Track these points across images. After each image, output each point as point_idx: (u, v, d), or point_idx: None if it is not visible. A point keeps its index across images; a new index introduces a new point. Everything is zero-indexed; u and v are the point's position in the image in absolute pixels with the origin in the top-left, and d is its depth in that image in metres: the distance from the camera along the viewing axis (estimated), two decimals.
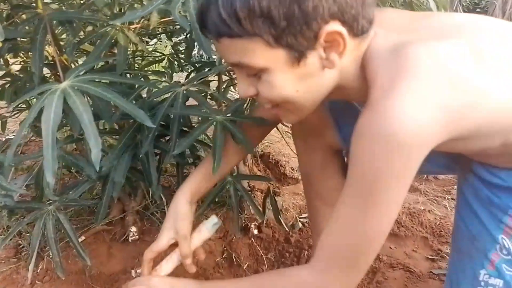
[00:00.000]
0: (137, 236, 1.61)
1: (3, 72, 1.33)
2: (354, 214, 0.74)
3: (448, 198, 2.00)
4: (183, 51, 1.83)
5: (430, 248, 1.65)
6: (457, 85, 0.70)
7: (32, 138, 1.96)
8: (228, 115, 1.09)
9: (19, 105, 1.62)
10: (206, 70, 1.70)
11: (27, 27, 1.10)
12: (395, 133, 0.66)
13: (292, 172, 2.18)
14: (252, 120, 1.08)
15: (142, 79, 1.43)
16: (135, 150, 1.26)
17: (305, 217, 1.86)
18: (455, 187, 2.08)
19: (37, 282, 1.42)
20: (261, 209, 1.66)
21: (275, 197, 1.69)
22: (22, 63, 1.44)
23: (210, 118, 1.09)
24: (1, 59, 1.19)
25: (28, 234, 1.60)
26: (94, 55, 1.06)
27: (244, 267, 1.64)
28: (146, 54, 1.84)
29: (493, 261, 0.89)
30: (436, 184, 2.19)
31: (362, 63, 0.77)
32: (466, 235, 0.94)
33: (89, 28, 1.36)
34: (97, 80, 0.94)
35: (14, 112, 1.71)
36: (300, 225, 1.80)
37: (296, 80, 0.73)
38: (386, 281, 1.45)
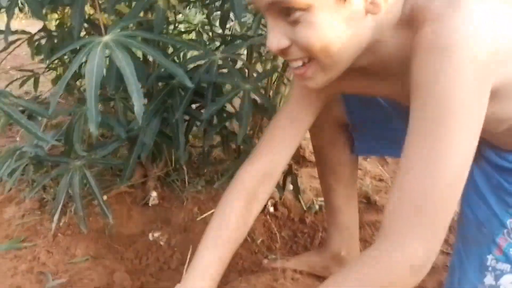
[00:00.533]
0: (157, 201, 1.64)
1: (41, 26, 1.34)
2: (425, 155, 0.64)
3: None
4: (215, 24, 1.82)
5: (445, 242, 1.64)
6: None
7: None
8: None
9: (52, 63, 1.65)
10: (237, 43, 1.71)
11: None
12: (466, 47, 0.59)
13: (311, 155, 2.18)
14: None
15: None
16: (164, 114, 1.28)
17: (321, 201, 1.86)
18: None
19: (59, 234, 1.47)
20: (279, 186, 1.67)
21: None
22: (59, 19, 1.46)
23: (238, 87, 1.10)
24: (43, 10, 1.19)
25: (51, 189, 1.64)
26: (133, 13, 1.06)
27: (258, 242, 1.67)
28: (177, 24, 1.84)
29: (501, 246, 0.88)
30: None
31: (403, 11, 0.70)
32: (473, 222, 0.93)
33: None
34: (137, 36, 0.95)
35: (45, 71, 1.73)
36: (317, 207, 1.81)
37: (340, 23, 0.65)
38: None
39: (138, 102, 0.80)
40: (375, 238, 1.54)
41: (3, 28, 1.15)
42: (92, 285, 1.29)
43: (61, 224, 1.48)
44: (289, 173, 1.60)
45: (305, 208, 1.78)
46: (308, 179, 2.04)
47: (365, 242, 1.59)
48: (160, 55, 0.89)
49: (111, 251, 1.48)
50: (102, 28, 0.99)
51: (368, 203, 1.88)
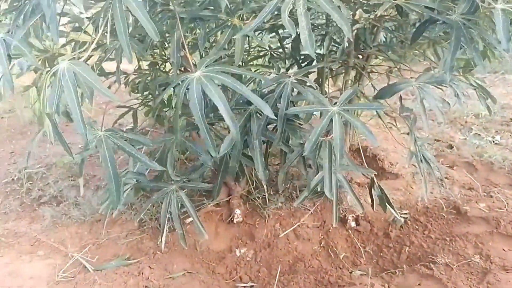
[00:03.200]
0: (240, 218, 1.73)
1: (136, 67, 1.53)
2: None
3: None
4: (286, 45, 1.90)
5: None
6: None
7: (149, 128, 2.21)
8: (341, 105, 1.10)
9: (144, 99, 1.85)
10: (306, 64, 1.76)
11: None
12: None
13: (391, 167, 2.13)
14: (368, 108, 1.09)
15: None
16: (245, 138, 1.37)
17: (406, 213, 1.81)
18: None
19: (157, 252, 1.62)
20: (360, 201, 1.66)
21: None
22: (151, 60, 1.65)
23: (326, 109, 1.11)
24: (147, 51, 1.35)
25: (149, 211, 1.82)
26: (218, 47, 1.17)
27: (341, 257, 1.67)
28: (252, 50, 1.95)
29: None
30: None
31: None
32: None
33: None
34: (225, 71, 1.04)
35: (139, 105, 1.94)
36: (402, 220, 1.75)
37: None
38: (498, 283, 1.35)
39: (234, 129, 0.89)
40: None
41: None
42: None
43: (158, 242, 1.63)
44: (372, 185, 1.58)
45: (397, 215, 1.72)
46: (390, 191, 1.98)
47: (457, 255, 1.51)
48: (246, 89, 0.97)
49: (203, 266, 1.60)
50: (190, 65, 1.11)
51: (457, 214, 1.77)
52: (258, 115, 1.32)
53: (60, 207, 1.96)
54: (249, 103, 1.36)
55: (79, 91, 0.92)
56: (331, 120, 1.06)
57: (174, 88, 1.19)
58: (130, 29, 1.22)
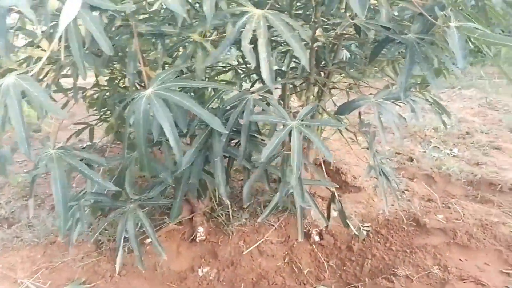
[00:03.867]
0: (203, 236, 1.70)
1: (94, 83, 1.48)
2: None
3: None
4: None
5: (504, 262, 1.55)
6: None
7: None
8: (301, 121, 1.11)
9: (103, 115, 1.80)
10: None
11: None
12: None
13: (354, 180, 2.17)
14: (327, 124, 1.09)
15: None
16: (206, 154, 1.35)
17: (368, 226, 1.83)
18: None
19: (115, 275, 1.55)
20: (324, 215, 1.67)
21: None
22: (109, 75, 1.60)
23: (286, 123, 1.11)
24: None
25: (106, 231, 1.75)
26: (175, 65, 1.15)
27: (305, 273, 1.66)
28: (215, 65, 1.94)
29: None
30: (511, 195, 2.05)
31: None
32: None
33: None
34: (175, 89, 1.02)
35: (97, 122, 1.89)
36: (365, 233, 1.78)
37: None
38: None
39: (178, 152, 0.87)
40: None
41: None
42: None
43: (115, 264, 1.56)
44: (332, 200, 1.59)
45: (356, 233, 1.75)
46: (353, 204, 2.01)
47: (417, 267, 1.54)
48: (196, 106, 0.96)
49: (164, 287, 1.54)
50: (146, 81, 1.09)
51: (417, 225, 1.82)
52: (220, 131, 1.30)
53: (12, 229, 1.84)
54: None
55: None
56: (290, 134, 1.07)
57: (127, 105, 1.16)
58: (87, 44, 1.18)
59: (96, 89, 1.54)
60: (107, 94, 1.47)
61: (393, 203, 1.99)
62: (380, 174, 1.52)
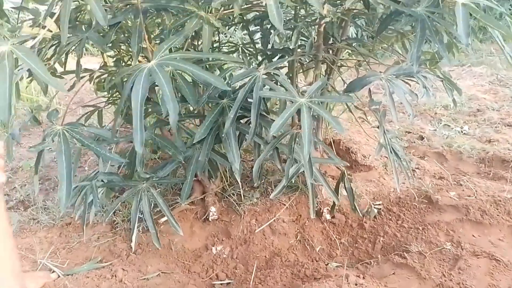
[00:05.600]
0: (216, 216, 1.71)
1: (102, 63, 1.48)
2: None
3: None
4: (256, 40, 1.89)
5: None
6: None
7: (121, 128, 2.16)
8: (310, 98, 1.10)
9: (112, 97, 1.80)
10: (277, 58, 1.75)
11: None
12: None
13: (364, 159, 2.16)
14: (337, 100, 1.09)
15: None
16: (217, 132, 1.35)
17: (379, 204, 1.83)
18: None
19: (131, 254, 1.58)
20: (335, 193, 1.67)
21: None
22: (116, 56, 1.60)
23: (295, 100, 1.11)
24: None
25: (120, 212, 1.77)
26: (179, 34, 1.13)
27: (317, 250, 1.67)
28: (221, 45, 1.93)
29: None
30: None
31: None
32: None
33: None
34: (179, 58, 1.01)
35: (106, 105, 1.89)
36: (375, 211, 1.78)
37: None
38: (469, 268, 1.39)
39: (173, 113, 0.87)
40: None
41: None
42: None
43: (131, 243, 1.59)
44: (341, 178, 1.60)
45: (360, 214, 1.76)
46: (363, 182, 2.01)
47: (430, 244, 1.54)
48: (200, 70, 0.94)
49: (179, 265, 1.57)
50: (150, 55, 1.08)
51: (429, 203, 1.81)
52: (231, 108, 1.30)
53: (28, 211, 1.88)
54: (221, 97, 1.34)
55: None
56: (299, 111, 1.06)
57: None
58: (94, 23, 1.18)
59: (103, 70, 1.53)
60: (115, 76, 1.46)
61: (404, 181, 1.99)
62: (391, 152, 1.51)
